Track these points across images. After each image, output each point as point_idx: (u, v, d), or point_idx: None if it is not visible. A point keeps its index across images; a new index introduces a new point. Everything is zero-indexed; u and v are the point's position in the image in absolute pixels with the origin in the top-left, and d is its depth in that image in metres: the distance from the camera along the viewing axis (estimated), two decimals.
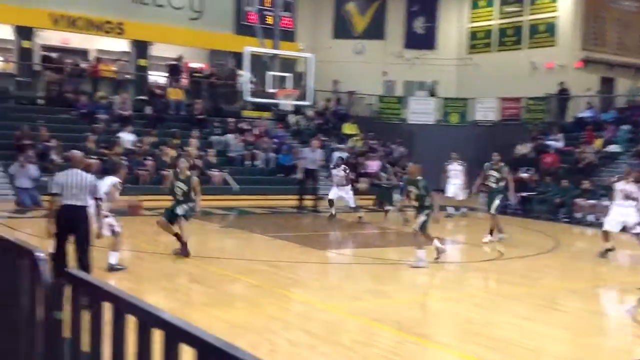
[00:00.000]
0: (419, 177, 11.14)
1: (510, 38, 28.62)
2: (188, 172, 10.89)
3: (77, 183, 7.70)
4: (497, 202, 13.75)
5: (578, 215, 18.20)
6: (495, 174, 14.16)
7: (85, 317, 2.65)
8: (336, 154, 23.16)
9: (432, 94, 29.12)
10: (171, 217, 10.61)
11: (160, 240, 12.65)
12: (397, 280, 9.89)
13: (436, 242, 10.94)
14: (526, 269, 10.98)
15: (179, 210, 10.58)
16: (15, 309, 3.11)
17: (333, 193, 15.76)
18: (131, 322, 2.40)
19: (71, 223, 7.73)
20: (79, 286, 2.65)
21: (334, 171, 16.32)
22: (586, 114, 23.78)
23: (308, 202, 18.76)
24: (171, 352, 2.16)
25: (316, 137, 21.73)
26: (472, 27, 30.10)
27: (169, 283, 9.02)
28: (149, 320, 2.30)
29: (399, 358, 6.05)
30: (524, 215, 19.51)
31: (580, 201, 18.24)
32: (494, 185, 14.09)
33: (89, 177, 7.85)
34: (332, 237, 14.62)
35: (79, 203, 7.69)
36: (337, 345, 6.22)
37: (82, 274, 2.70)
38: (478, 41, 29.85)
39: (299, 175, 19.29)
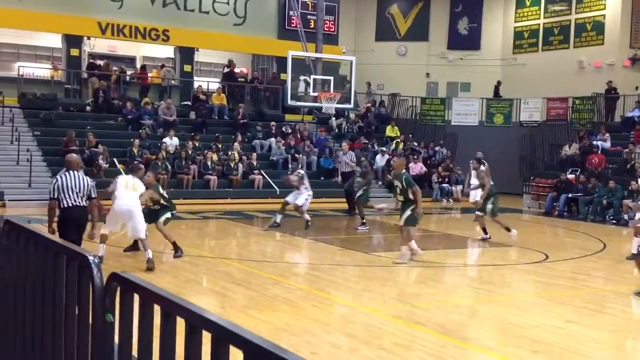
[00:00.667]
0: (403, 171, 11.22)
1: (556, 37, 28.21)
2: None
3: (77, 184, 8.16)
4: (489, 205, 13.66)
5: (625, 216, 17.82)
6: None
7: (134, 319, 2.75)
8: (378, 157, 23.21)
9: (496, 93, 28.51)
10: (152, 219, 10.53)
11: (203, 243, 12.85)
12: (440, 283, 9.86)
13: (412, 244, 10.91)
14: (572, 271, 10.82)
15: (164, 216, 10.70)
16: (66, 313, 3.23)
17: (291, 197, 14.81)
18: (179, 325, 2.48)
19: (78, 222, 8.21)
20: (129, 289, 2.74)
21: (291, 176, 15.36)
22: (635, 113, 23.25)
23: (345, 204, 18.54)
24: (220, 354, 2.20)
25: (346, 141, 21.67)
26: (518, 27, 29.74)
27: (211, 285, 9.17)
28: (198, 322, 2.36)
29: None
30: (570, 217, 19.21)
31: (628, 202, 17.85)
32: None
33: (87, 178, 8.37)
34: (373, 240, 14.62)
35: (82, 203, 8.19)
36: (378, 349, 6.24)
37: (132, 277, 2.79)
38: (523, 41, 29.49)
39: (339, 178, 19.32)
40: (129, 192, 9.82)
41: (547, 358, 6.22)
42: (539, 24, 28.93)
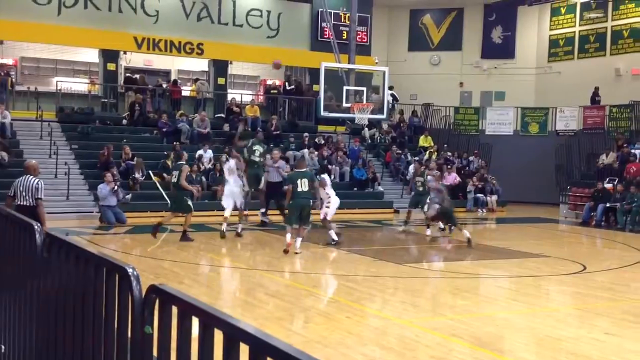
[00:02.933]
0: (306, 170, 13.08)
1: (592, 45, 27.86)
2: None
3: (24, 186, 9.03)
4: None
5: None
6: (420, 179, 16.23)
7: (173, 332, 2.79)
8: (410, 167, 23.13)
9: (594, 100, 26.07)
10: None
11: (237, 254, 12.94)
12: (476, 294, 9.77)
13: (298, 242, 12.25)
14: (611, 282, 10.64)
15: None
16: (106, 325, 3.29)
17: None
18: (217, 337, 2.51)
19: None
20: (168, 301, 2.78)
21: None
22: None
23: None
24: None
25: (277, 149, 18.69)
26: (553, 35, 29.44)
27: (245, 297, 9.22)
28: (236, 334, 2.38)
29: None
30: (608, 227, 18.89)
31: None
32: (420, 189, 16.07)
33: (35, 181, 9.06)
34: (408, 251, 14.56)
35: (26, 203, 8.94)
36: None
37: (170, 289, 2.83)
38: (559, 49, 29.18)
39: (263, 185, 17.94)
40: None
41: None
42: (574, 32, 28.60)
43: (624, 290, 10.27)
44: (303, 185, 12.23)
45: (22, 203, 8.97)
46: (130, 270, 3.05)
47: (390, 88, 28.55)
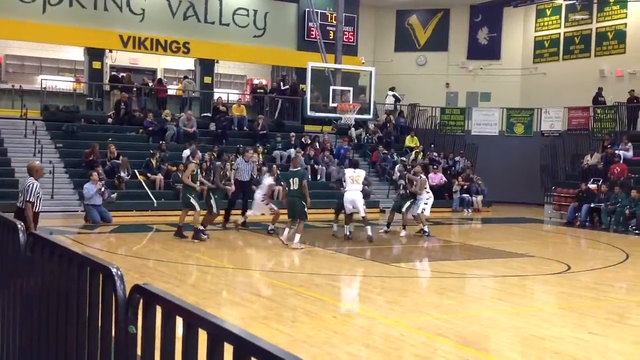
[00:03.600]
0: (299, 169, 13.54)
1: (577, 46, 28.05)
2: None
3: (22, 188, 9.12)
4: (407, 204, 15.71)
5: None
6: (402, 181, 16.42)
7: (157, 331, 2.78)
8: (397, 167, 23.18)
9: (596, 100, 25.51)
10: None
11: (223, 254, 12.91)
12: (461, 294, 9.81)
13: (285, 231, 13.09)
14: (595, 282, 10.71)
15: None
16: (89, 324, 3.27)
17: None
18: (201, 336, 2.50)
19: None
20: (152, 300, 2.77)
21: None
22: None
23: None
24: None
25: (253, 147, 19.38)
26: (538, 36, 29.62)
27: (230, 296, 9.20)
28: (220, 333, 2.37)
29: None
30: (592, 227, 19.02)
31: None
32: (402, 191, 16.23)
33: (29, 183, 8.98)
34: (394, 251, 14.59)
35: (19, 205, 8.99)
36: None
37: (154, 288, 2.82)
38: (544, 50, 29.35)
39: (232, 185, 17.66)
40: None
41: None
42: (559, 33, 28.78)
43: (608, 290, 10.35)
44: (294, 183, 12.93)
45: (18, 204, 9.02)
46: (114, 270, 3.03)
47: (392, 89, 28.64)
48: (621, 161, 21.18)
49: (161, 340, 2.69)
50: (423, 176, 16.43)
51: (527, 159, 25.38)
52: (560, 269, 11.67)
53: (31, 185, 8.92)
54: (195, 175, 13.87)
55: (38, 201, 8.97)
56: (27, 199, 8.86)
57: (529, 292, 10.27)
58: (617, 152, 21.75)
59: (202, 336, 2.45)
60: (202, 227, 13.73)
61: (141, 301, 2.84)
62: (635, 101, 24.35)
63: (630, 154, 21.75)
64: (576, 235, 18.22)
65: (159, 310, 2.74)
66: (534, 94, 28.72)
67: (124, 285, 2.98)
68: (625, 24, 26.33)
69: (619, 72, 26.17)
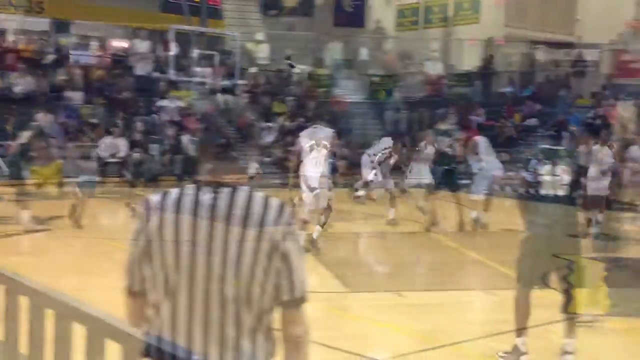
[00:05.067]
0: None
1: (436, 15, 29.06)
2: None
3: None
4: None
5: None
6: None
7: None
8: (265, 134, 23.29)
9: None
10: None
11: None
12: None
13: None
14: None
15: None
16: None
17: None
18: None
19: None
20: None
21: None
22: (507, 89, 24.55)
23: None
24: (94, 346, 2.20)
25: None
26: (400, 5, 30.41)
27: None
28: (42, 300, 2.35)
29: None
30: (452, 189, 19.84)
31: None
32: None
33: None
34: None
35: None
36: None
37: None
38: (405, 19, 30.17)
39: None
40: None
41: None
42: (420, 3, 29.67)
43: None
44: None
45: None
46: None
47: (288, 58, 28.24)
48: (474, 126, 22.39)
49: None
50: None
51: (389, 126, 26.15)
52: None
53: None
54: None
55: None
56: None
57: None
58: (470, 117, 22.95)
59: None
60: None
61: None
62: (488, 69, 25.76)
63: (482, 119, 23.06)
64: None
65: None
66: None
67: None
68: None
69: (472, 41, 27.46)
